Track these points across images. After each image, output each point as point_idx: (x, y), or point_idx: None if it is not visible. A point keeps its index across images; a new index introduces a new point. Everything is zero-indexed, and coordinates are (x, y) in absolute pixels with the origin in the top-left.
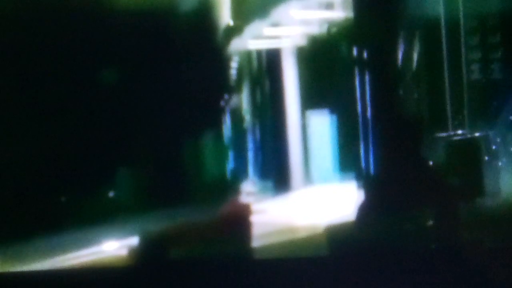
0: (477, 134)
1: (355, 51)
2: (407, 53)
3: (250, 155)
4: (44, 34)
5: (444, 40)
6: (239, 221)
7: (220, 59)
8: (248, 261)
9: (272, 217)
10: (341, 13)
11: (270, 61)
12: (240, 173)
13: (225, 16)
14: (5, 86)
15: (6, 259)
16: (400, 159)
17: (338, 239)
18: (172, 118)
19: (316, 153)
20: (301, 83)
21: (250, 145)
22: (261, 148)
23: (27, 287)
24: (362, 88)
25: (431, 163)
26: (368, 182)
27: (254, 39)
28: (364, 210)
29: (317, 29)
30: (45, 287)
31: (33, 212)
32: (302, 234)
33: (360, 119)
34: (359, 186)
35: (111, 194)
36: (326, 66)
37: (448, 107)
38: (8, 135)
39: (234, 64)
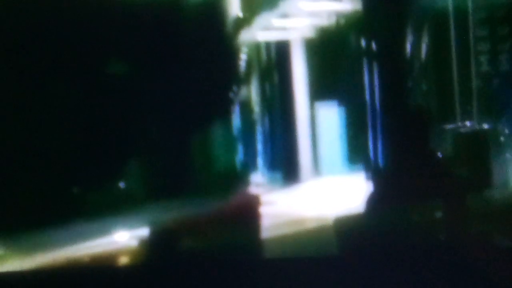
0: (485, 126)
1: (363, 43)
2: (416, 45)
3: (259, 146)
4: (62, 31)
5: (452, 32)
6: (249, 212)
7: (229, 51)
8: (257, 253)
9: (281, 208)
10: (349, 5)
11: (279, 53)
12: (249, 165)
13: (234, 8)
14: (22, 81)
15: (18, 250)
16: (408, 151)
17: (347, 230)
18: (182, 110)
19: (325, 144)
20: (309, 75)
21: (259, 136)
22: (270, 139)
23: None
24: (370, 80)
25: (439, 154)
26: (376, 174)
27: (263, 30)
28: (373, 202)
29: (326, 21)
30: (54, 283)
31: (46, 203)
32: (311, 225)
33: (368, 111)
34: (367, 178)
35: (121, 185)
36: (334, 57)
37: (456, 99)
38: (21, 129)
39: (243, 56)
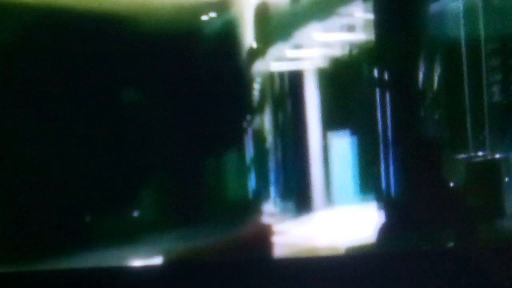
0: (497, 156)
1: (376, 73)
2: (428, 75)
3: (272, 175)
4: (81, 52)
5: (464, 61)
6: (260, 242)
7: (242, 81)
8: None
9: (293, 238)
10: (362, 35)
11: (292, 83)
12: (261, 194)
13: (248, 39)
14: (40, 109)
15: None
16: (420, 181)
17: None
18: (195, 138)
19: (338, 174)
20: (322, 105)
21: (271, 165)
22: (282, 168)
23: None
24: (383, 110)
25: (451, 184)
26: (389, 204)
27: (276, 61)
28: (385, 231)
29: (339, 51)
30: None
31: (57, 231)
32: (323, 255)
33: (381, 141)
34: (380, 208)
35: (134, 213)
36: (347, 88)
37: (469, 129)
38: (31, 155)
39: (256, 85)
